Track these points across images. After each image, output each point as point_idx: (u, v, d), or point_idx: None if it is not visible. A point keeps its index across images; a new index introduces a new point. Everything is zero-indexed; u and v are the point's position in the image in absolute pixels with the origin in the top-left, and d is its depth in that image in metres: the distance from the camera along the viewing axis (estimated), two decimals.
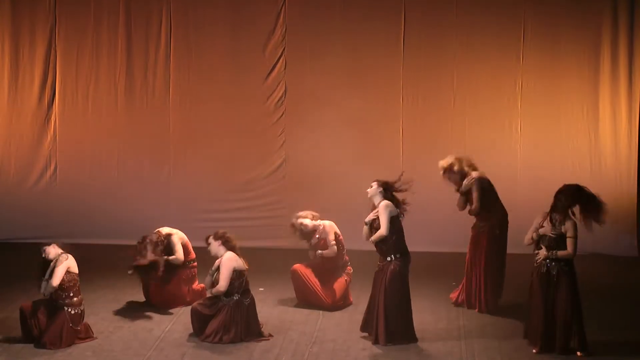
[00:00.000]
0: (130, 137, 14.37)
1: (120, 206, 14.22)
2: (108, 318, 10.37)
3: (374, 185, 9.61)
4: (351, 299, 11.06)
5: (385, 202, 9.53)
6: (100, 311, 10.55)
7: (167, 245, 10.79)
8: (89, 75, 14.39)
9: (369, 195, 9.61)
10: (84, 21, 14.34)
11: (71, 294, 9.50)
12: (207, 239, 9.98)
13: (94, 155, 14.46)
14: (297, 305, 11.00)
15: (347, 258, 11.02)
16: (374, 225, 9.57)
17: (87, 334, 9.69)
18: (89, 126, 14.44)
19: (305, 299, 10.94)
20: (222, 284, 9.67)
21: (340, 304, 10.91)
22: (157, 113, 14.33)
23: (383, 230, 9.43)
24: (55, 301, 9.50)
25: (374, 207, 9.65)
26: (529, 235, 9.34)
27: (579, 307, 9.29)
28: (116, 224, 14.09)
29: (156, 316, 10.56)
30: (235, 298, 9.71)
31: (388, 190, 9.58)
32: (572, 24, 13.88)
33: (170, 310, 10.70)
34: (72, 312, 9.52)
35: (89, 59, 14.38)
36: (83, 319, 9.66)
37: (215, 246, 9.87)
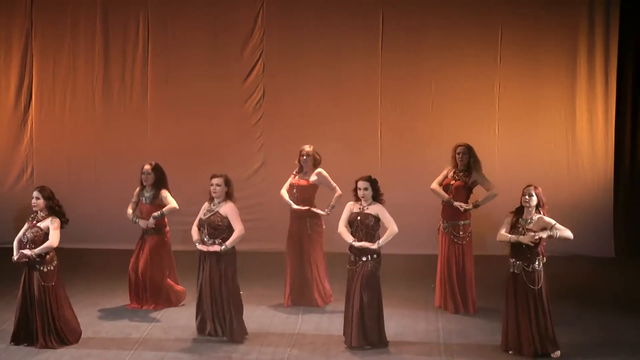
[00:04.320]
0: (108, 141, 14.33)
1: (98, 211, 14.15)
2: (86, 322, 10.29)
3: (368, 186, 9.48)
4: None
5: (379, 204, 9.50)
6: (77, 316, 10.41)
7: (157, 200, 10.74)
8: (66, 79, 14.35)
9: (366, 198, 9.47)
10: (60, 25, 14.30)
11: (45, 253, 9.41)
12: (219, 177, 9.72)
13: (71, 159, 14.40)
14: (276, 308, 10.98)
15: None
16: (359, 225, 9.46)
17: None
18: (66, 130, 14.40)
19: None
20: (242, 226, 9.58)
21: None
22: (135, 117, 14.31)
23: (394, 227, 9.37)
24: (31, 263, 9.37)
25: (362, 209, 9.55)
26: (505, 236, 9.27)
27: (547, 309, 9.25)
28: (93, 228, 14.04)
29: (135, 320, 10.50)
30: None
31: (377, 190, 9.53)
32: (549, 27, 13.98)
33: (150, 316, 10.64)
34: (45, 270, 9.39)
35: (66, 63, 14.34)
36: (56, 276, 9.49)
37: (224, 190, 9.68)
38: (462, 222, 10.84)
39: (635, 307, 11.26)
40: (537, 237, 9.05)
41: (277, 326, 10.35)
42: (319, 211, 10.94)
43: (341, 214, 9.61)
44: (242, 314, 9.81)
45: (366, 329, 9.47)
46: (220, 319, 9.69)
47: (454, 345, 9.71)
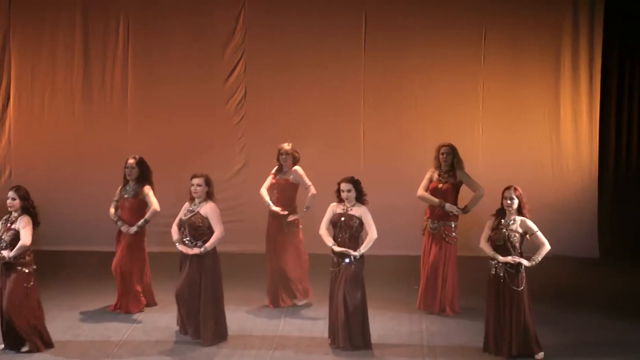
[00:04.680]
0: (87, 143, 14.22)
1: (78, 212, 14.07)
2: (65, 326, 10.21)
3: (351, 187, 9.44)
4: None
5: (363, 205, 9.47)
6: (56, 319, 10.37)
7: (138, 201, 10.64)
8: (45, 80, 14.26)
9: (349, 199, 9.43)
10: (40, 26, 14.21)
11: (25, 255, 9.26)
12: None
13: (51, 160, 14.30)
14: (259, 310, 10.95)
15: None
16: (343, 226, 9.44)
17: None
18: (45, 131, 14.30)
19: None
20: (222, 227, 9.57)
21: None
22: (115, 117, 14.22)
23: (374, 233, 9.36)
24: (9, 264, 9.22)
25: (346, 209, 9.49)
26: (486, 249, 9.26)
27: (529, 310, 9.23)
28: (73, 229, 13.97)
29: (114, 323, 10.41)
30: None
31: (360, 191, 9.49)
32: (533, 26, 13.98)
33: (130, 318, 10.56)
34: (26, 271, 9.26)
35: (45, 64, 14.25)
36: (33, 278, 9.33)
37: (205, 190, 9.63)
38: (453, 223, 10.84)
39: (620, 308, 11.30)
40: (516, 262, 9.08)
41: (260, 328, 10.29)
42: (293, 216, 10.92)
43: (318, 213, 9.56)
44: (222, 317, 9.76)
45: (351, 332, 9.44)
46: (196, 322, 9.63)
47: (437, 347, 9.71)
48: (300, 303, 11.09)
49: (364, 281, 9.47)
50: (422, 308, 10.94)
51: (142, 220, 10.59)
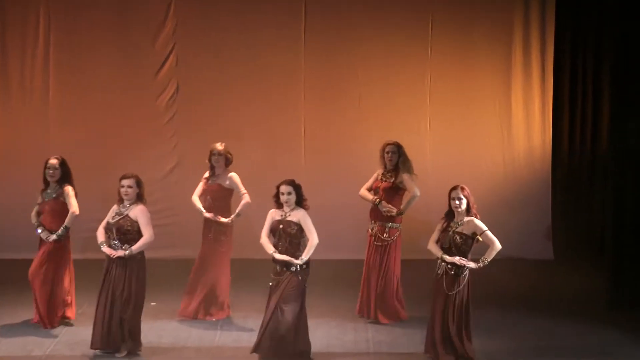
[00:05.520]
0: (6, 140, 14.04)
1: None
2: None
3: (292, 190, 9.41)
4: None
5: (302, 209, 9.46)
6: None
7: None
8: None
9: (289, 203, 9.41)
10: None
11: None
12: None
13: None
14: (193, 321, 10.87)
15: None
16: (282, 233, 9.42)
17: None
18: None
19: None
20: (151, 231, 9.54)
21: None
22: (36, 114, 14.07)
23: (315, 239, 9.33)
24: None
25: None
26: (434, 250, 9.32)
27: (469, 314, 9.34)
28: None
29: (35, 337, 10.25)
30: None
31: (300, 195, 9.48)
32: (482, 15, 14.14)
33: (52, 332, 10.43)
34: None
35: None
36: None
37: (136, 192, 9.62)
38: (389, 224, 10.81)
39: (575, 312, 11.41)
40: (463, 264, 9.14)
41: (194, 340, 10.23)
42: (222, 219, 10.87)
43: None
44: (138, 328, 9.68)
45: (282, 343, 9.33)
46: (112, 331, 9.54)
47: (384, 356, 9.75)
48: (213, 319, 11.00)
49: (304, 292, 9.42)
50: (363, 314, 10.96)
51: (61, 229, 10.44)
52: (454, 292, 9.18)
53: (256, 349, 9.42)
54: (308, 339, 9.52)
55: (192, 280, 10.97)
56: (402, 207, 10.83)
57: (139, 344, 9.68)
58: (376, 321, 10.78)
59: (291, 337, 9.33)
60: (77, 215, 10.49)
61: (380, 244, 10.82)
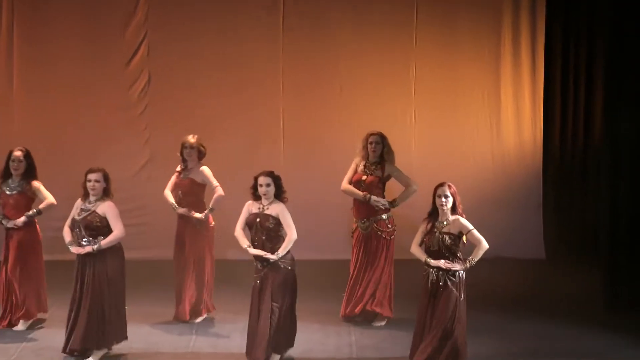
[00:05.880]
0: None
1: None
2: None
3: (270, 182, 9.33)
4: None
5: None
6: None
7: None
8: None
9: (267, 195, 9.34)
10: None
11: None
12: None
13: None
14: (167, 325, 10.83)
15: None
16: (258, 227, 9.33)
17: None
18: None
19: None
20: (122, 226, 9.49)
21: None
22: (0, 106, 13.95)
23: (293, 234, 9.26)
24: None
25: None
26: (418, 253, 9.21)
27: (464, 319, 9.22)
28: None
29: (2, 341, 10.13)
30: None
31: (279, 187, 9.41)
32: (470, 2, 14.04)
33: (18, 336, 10.31)
34: None
35: None
36: None
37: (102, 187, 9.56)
38: (384, 215, 10.74)
39: (571, 313, 11.42)
40: (449, 267, 9.02)
41: (169, 345, 10.16)
42: (196, 215, 10.79)
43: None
44: (124, 324, 9.68)
45: (279, 340, 9.33)
46: (88, 334, 9.43)
47: None
48: (198, 320, 10.97)
49: (294, 288, 9.41)
50: (347, 314, 10.90)
51: (33, 211, 10.43)
52: (459, 295, 9.06)
53: (248, 354, 9.39)
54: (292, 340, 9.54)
55: (178, 282, 10.94)
56: (397, 198, 10.78)
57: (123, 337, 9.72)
58: (365, 314, 10.79)
59: (283, 336, 9.36)
60: (54, 205, 10.52)
61: (376, 239, 10.75)
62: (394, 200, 10.77)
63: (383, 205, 10.68)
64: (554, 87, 14.28)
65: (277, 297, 9.24)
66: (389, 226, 10.76)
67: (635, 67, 11.26)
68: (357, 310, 10.82)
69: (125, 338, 9.68)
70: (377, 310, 10.78)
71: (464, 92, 14.11)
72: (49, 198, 10.49)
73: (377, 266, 10.77)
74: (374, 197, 10.65)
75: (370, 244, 10.78)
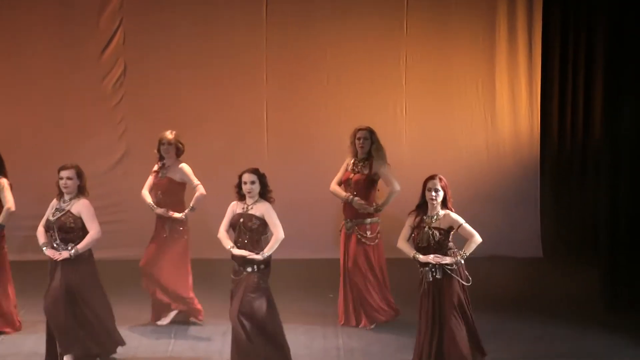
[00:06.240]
0: None
1: None
2: None
3: (255, 179, 9.15)
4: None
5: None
6: None
7: None
8: None
9: (252, 194, 9.15)
10: None
11: None
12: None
13: None
14: (143, 328, 10.79)
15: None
16: (242, 228, 9.14)
17: None
18: None
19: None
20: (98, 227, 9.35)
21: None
22: None
23: (280, 233, 9.07)
24: None
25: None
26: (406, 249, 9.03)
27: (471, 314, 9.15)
28: None
29: None
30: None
31: (265, 186, 9.25)
32: None
33: None
34: None
35: None
36: None
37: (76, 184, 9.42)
38: (368, 220, 10.68)
39: (570, 313, 11.41)
40: (438, 261, 8.84)
41: (146, 349, 10.13)
42: (176, 215, 10.68)
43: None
44: (114, 326, 9.68)
45: (255, 350, 9.04)
46: (76, 339, 9.30)
47: None
48: (163, 323, 10.88)
49: (268, 292, 9.16)
50: (345, 324, 10.84)
51: None
52: (444, 299, 8.89)
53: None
54: (283, 344, 9.25)
55: (149, 286, 10.88)
56: (380, 202, 10.72)
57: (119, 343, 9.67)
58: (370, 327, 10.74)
59: (260, 346, 9.05)
60: (12, 212, 10.30)
61: (364, 242, 10.69)
62: (378, 205, 10.71)
63: (365, 209, 10.61)
64: (551, 76, 14.24)
65: (248, 305, 8.98)
66: (368, 233, 10.70)
67: (636, 55, 11.16)
68: (353, 323, 10.79)
69: (119, 345, 9.67)
70: (363, 319, 10.79)
71: (457, 82, 14.09)
72: (8, 203, 10.27)
73: (357, 272, 10.70)
74: (357, 200, 10.58)
75: (350, 246, 10.74)
